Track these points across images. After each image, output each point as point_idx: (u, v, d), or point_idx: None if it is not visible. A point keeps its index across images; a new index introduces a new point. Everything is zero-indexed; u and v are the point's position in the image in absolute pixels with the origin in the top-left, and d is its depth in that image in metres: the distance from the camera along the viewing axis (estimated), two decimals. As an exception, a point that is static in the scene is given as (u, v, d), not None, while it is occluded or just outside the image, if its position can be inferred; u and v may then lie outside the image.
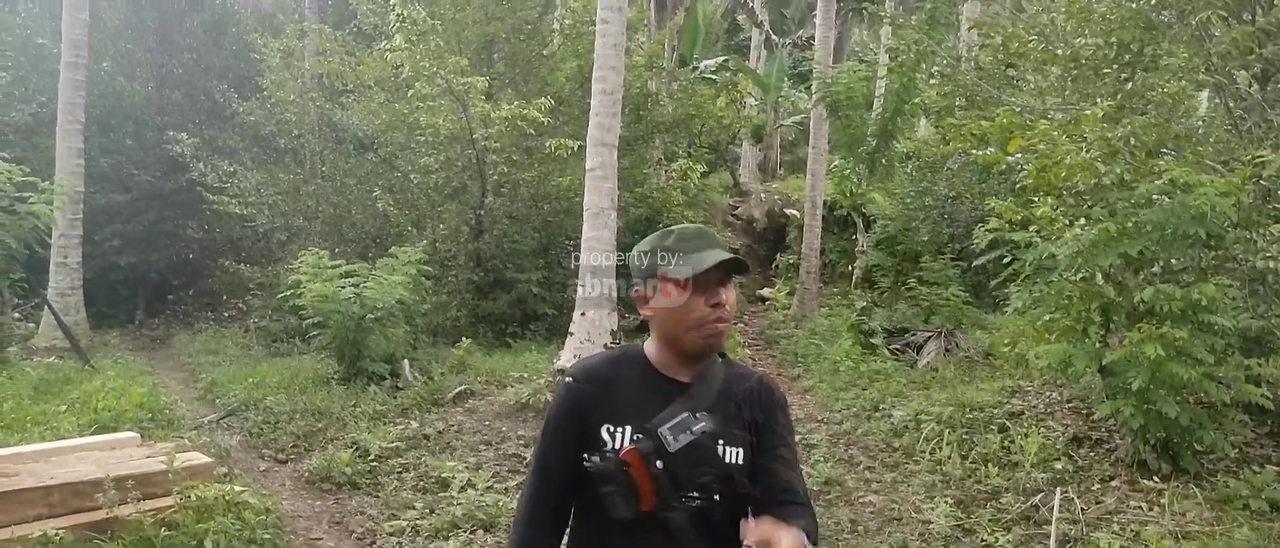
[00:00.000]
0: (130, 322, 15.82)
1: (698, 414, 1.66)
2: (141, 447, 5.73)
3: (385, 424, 7.27)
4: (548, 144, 11.05)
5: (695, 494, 1.64)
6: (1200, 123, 6.83)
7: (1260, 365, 5.16)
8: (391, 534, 5.23)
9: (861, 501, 5.66)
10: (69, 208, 12.24)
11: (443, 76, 10.78)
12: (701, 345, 1.71)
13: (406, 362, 8.91)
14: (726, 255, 1.69)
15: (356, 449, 6.64)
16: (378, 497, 5.95)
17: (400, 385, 8.51)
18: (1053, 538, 4.04)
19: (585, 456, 1.65)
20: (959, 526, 5.10)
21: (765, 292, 14.36)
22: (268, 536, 4.82)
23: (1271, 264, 5.35)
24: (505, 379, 8.56)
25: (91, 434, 6.50)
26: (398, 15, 10.74)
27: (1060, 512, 4.98)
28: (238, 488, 5.11)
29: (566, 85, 12.91)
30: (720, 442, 1.69)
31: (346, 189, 13.52)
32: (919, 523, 5.21)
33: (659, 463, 1.60)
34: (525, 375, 8.50)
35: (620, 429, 1.68)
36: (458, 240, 11.92)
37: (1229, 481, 5.21)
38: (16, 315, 11.97)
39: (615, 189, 8.96)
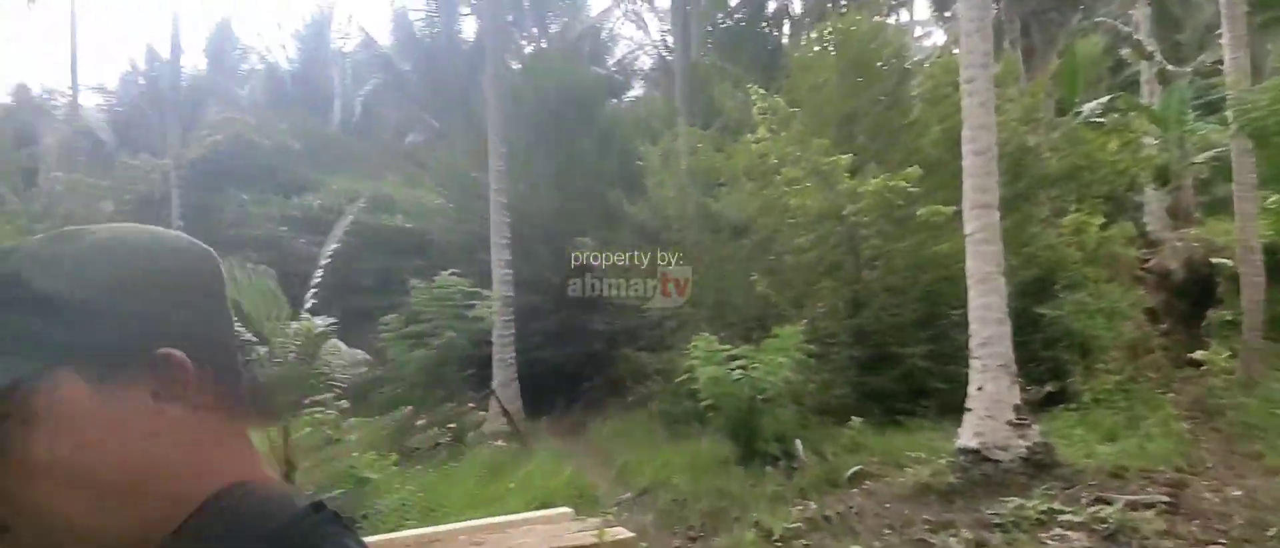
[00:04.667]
0: (552, 409, 17.94)
1: None
2: (574, 521, 6.45)
3: (785, 505, 7.41)
4: (919, 212, 10.78)
5: None
6: None
7: None
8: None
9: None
10: (502, 311, 14.42)
11: (807, 159, 11.08)
12: None
13: (799, 442, 9.03)
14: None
15: (760, 530, 6.84)
16: (783, 579, 6.07)
17: (795, 466, 8.62)
18: None
19: None
20: None
21: (1198, 355, 12.38)
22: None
23: None
24: (901, 459, 8.30)
25: (533, 510, 7.46)
26: (759, 108, 11.33)
27: None
28: (658, 563, 5.54)
29: (933, 151, 12.55)
30: None
31: (727, 274, 14.26)
32: None
33: None
34: (923, 456, 8.18)
35: None
36: (837, 317, 11.96)
37: None
38: (471, 405, 14.18)
39: (1001, 252, 8.44)
